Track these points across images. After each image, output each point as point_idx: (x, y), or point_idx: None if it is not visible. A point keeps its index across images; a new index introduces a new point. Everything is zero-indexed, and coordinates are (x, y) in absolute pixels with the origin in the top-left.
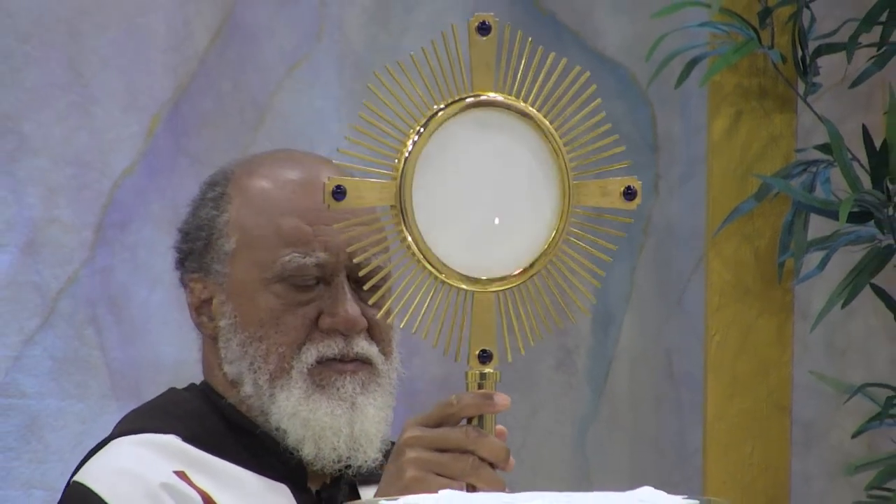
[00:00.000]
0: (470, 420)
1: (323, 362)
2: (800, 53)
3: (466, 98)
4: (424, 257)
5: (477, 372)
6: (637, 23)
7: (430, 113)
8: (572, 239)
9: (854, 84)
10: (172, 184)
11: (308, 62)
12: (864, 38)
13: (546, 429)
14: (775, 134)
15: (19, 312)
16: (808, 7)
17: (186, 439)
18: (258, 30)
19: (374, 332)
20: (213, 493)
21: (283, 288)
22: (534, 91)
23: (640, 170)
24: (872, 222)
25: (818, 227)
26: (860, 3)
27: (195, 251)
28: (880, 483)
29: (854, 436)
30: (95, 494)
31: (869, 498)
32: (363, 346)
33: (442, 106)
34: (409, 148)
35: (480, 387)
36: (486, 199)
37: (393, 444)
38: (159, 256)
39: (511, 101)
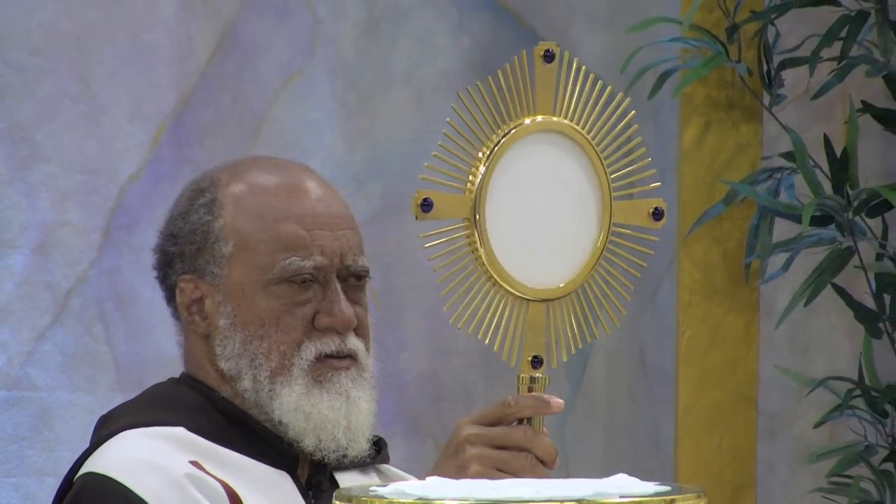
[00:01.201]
0: (521, 421)
1: (321, 359)
2: (765, 67)
3: (532, 121)
4: (491, 267)
5: (528, 376)
6: (612, 38)
7: (501, 133)
8: (609, 255)
9: (816, 96)
10: (176, 190)
11: (302, 75)
12: (826, 53)
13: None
14: (742, 142)
15: (32, 310)
16: (773, 24)
17: (193, 431)
18: (255, 45)
19: (358, 329)
20: (229, 482)
21: (282, 289)
22: (585, 115)
23: None
24: (833, 225)
25: (782, 230)
26: (822, 20)
27: (186, 254)
28: (840, 470)
29: (816, 426)
30: (123, 486)
31: (830, 484)
32: (354, 342)
33: (512, 127)
34: (484, 166)
35: (531, 390)
36: (543, 215)
37: (377, 437)
38: None
39: (567, 124)
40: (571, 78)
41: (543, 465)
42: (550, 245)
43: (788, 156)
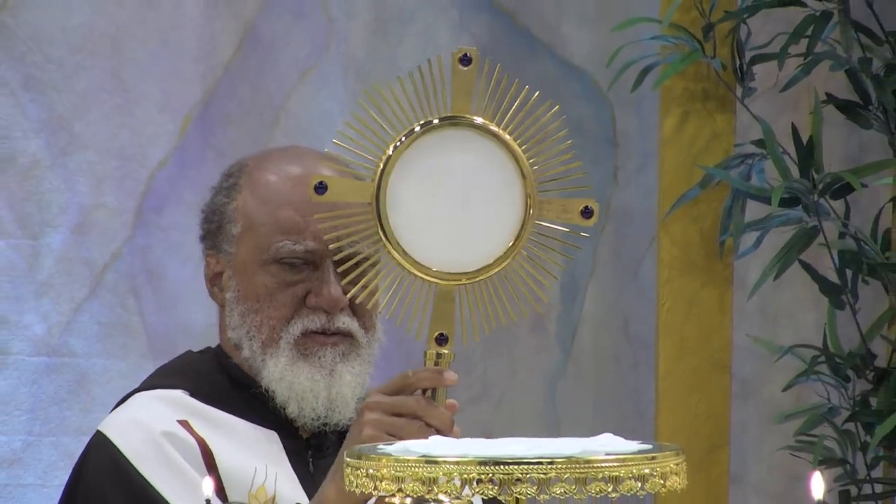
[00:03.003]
0: (424, 392)
1: (307, 335)
2: (738, 62)
3: (445, 117)
4: (394, 249)
5: (434, 352)
6: (599, 35)
7: (411, 126)
8: (531, 247)
9: (784, 88)
10: (201, 174)
11: (317, 70)
12: (793, 49)
13: (521, 384)
14: (717, 131)
15: (70, 284)
16: (745, 22)
17: (191, 393)
18: (275, 42)
19: (356, 308)
20: (210, 439)
21: (276, 269)
22: (507, 117)
23: (602, 162)
24: (800, 207)
25: (754, 210)
26: (789, 19)
27: (211, 231)
28: (806, 430)
29: (784, 390)
30: (111, 441)
31: (797, 443)
32: (344, 321)
33: (422, 122)
34: (389, 154)
35: (436, 364)
36: (454, 206)
37: None
38: (189, 237)
39: (485, 124)
40: (493, 82)
41: (439, 434)
42: (462, 234)
43: (759, 143)
